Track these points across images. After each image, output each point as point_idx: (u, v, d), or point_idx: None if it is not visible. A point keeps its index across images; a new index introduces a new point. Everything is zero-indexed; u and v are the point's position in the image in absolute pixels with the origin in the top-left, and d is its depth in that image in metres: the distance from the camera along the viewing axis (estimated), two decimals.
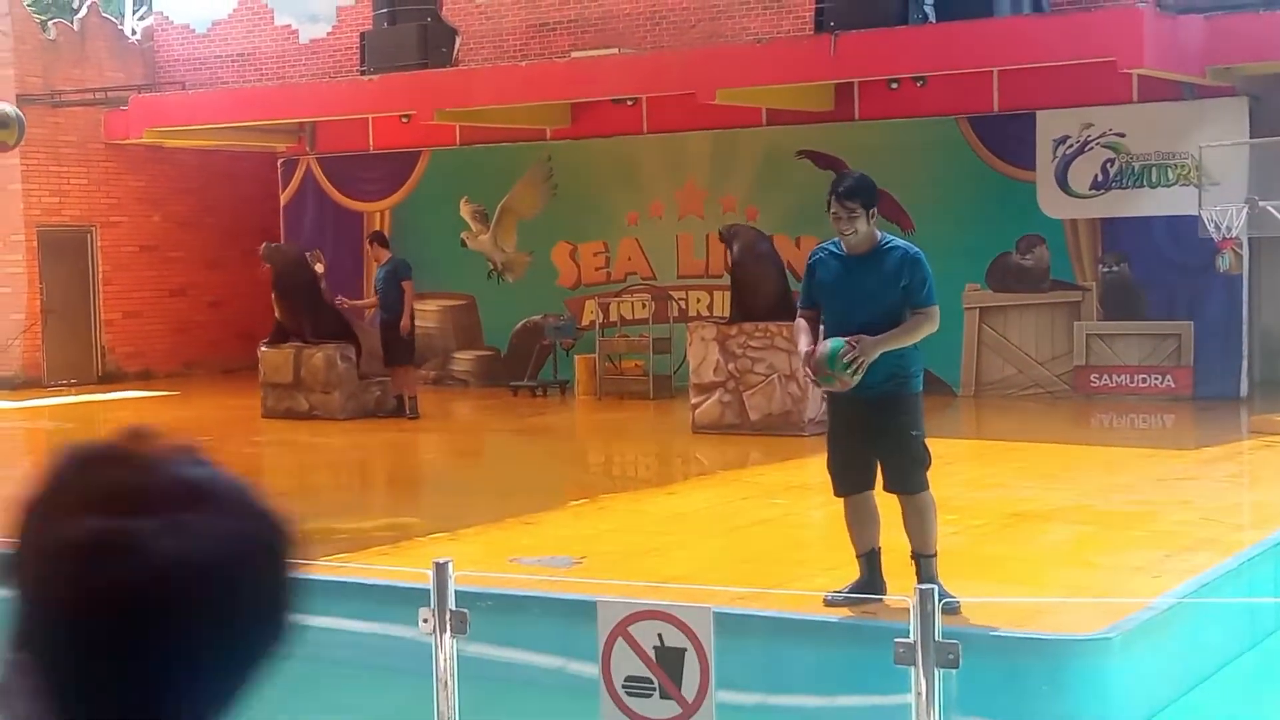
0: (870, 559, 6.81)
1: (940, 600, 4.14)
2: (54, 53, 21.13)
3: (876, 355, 6.52)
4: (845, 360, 6.46)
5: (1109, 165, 15.97)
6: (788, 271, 14.73)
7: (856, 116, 17.37)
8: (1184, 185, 15.37)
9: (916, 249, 6.87)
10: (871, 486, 6.86)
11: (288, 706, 7.47)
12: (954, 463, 9.99)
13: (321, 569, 8.01)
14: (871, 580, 6.74)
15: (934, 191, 16.33)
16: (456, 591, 4.56)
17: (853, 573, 6.96)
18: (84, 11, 22.30)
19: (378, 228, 19.82)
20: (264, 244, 16.76)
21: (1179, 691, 6.71)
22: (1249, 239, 14.81)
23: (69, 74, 21.16)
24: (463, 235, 19.70)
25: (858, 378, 6.50)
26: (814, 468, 12.08)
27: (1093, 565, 7.82)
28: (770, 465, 11.93)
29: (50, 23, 22.11)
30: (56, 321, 20.89)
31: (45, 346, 20.79)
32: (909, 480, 6.79)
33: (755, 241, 13.97)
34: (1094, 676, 6.15)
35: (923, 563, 6.68)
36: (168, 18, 22.55)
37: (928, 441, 6.90)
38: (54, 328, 20.87)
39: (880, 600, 6.57)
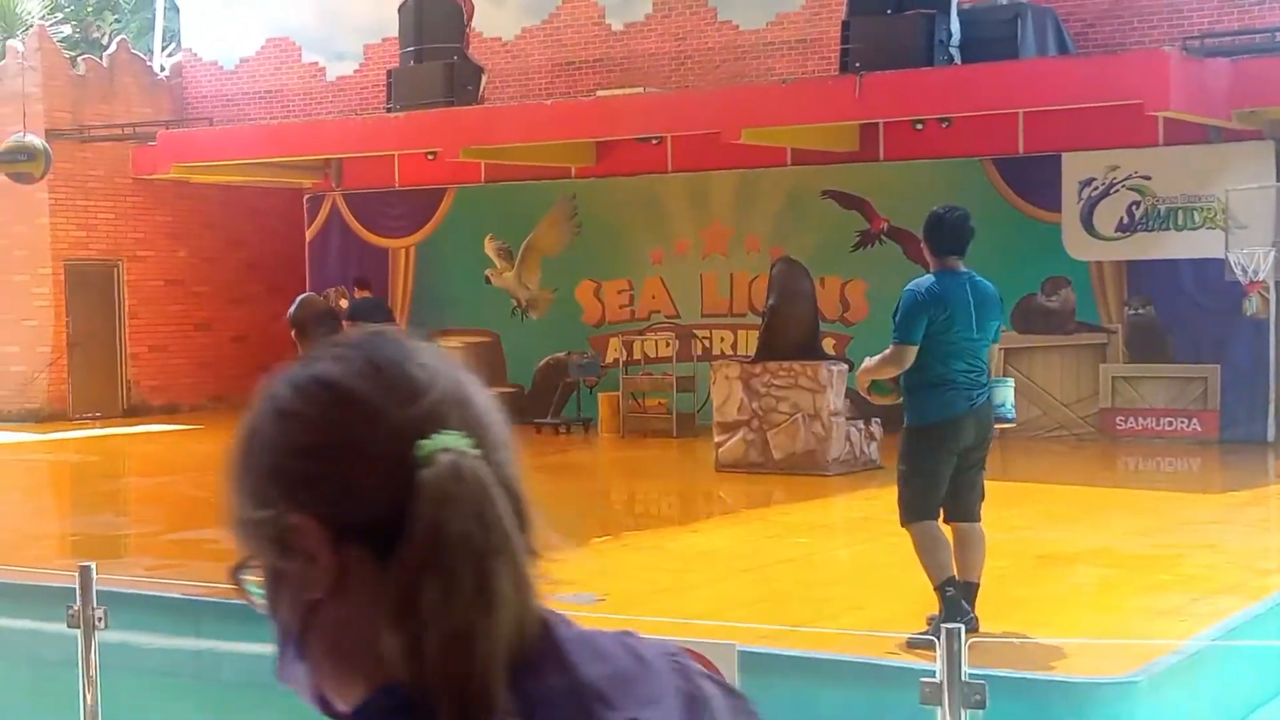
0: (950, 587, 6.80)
1: (959, 628, 4.10)
2: (83, 88, 21.29)
3: (865, 380, 7.01)
4: None
5: (1135, 208, 15.95)
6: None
7: (881, 157, 17.39)
8: (1210, 228, 15.34)
9: (912, 284, 6.86)
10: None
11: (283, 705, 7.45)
12: None
13: None
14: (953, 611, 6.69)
15: None
16: None
17: (876, 613, 6.94)
18: (113, 48, 22.49)
19: (403, 263, 19.99)
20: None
21: None
22: (1276, 282, 14.75)
23: (97, 109, 21.32)
24: (487, 272, 19.74)
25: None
26: (838, 507, 12.08)
27: (1119, 609, 7.76)
28: (794, 504, 11.89)
29: (80, 58, 22.28)
30: (82, 355, 20.97)
31: (71, 379, 20.87)
32: (899, 512, 6.92)
33: (798, 279, 13.93)
34: None
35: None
36: (196, 54, 22.71)
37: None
38: (80, 361, 20.96)
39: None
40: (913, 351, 6.71)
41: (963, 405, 6.80)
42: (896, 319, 6.79)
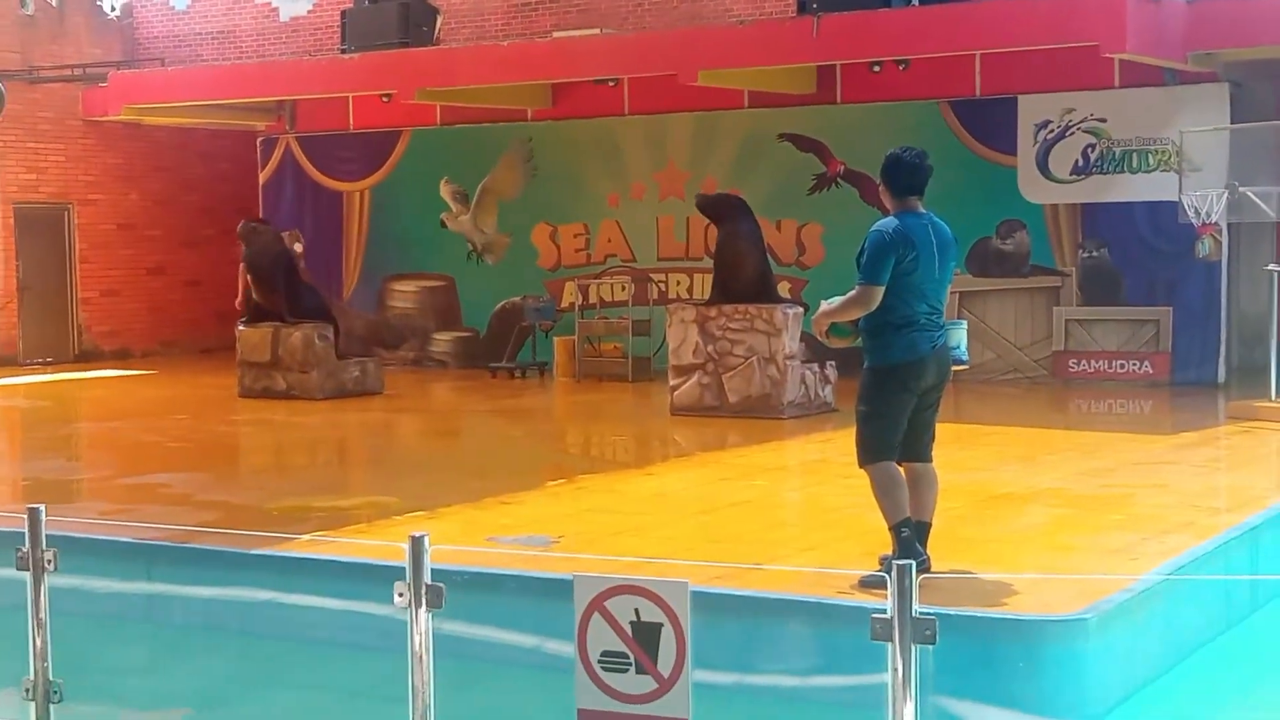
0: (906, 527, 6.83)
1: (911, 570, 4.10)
2: (32, 28, 20.99)
3: (825, 324, 6.93)
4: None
5: (1090, 150, 15.99)
6: (768, 254, 14.73)
7: (838, 99, 17.36)
8: (1164, 171, 15.40)
9: (878, 225, 6.84)
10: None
11: (264, 683, 7.45)
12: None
13: (298, 546, 7.99)
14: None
15: None
16: (433, 569, 4.53)
17: (829, 554, 6.97)
18: None
19: (357, 207, 19.95)
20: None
21: (1155, 672, 6.72)
22: (1228, 225, 14.84)
23: (47, 50, 21.04)
24: (442, 216, 19.64)
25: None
26: (792, 450, 12.12)
27: (1070, 548, 7.83)
28: (749, 447, 11.93)
29: None
30: (33, 299, 20.78)
31: (21, 324, 20.68)
32: (858, 452, 6.95)
33: (739, 220, 13.90)
34: (1070, 657, 6.15)
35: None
36: None
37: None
38: (30, 305, 20.77)
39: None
40: (879, 292, 6.70)
41: (925, 346, 6.81)
42: (863, 260, 6.77)
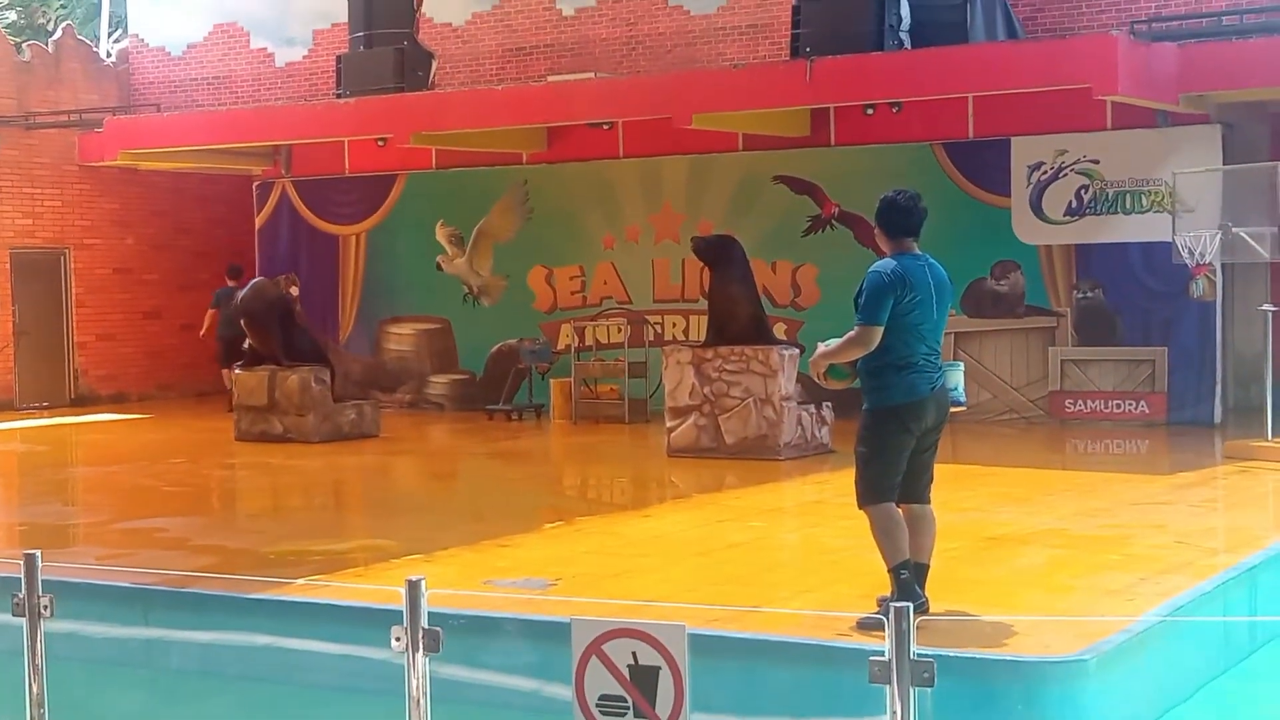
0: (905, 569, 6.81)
1: (910, 612, 4.10)
2: (28, 74, 21.07)
3: (823, 365, 6.92)
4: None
5: (1083, 191, 16.05)
6: (762, 296, 14.76)
7: (832, 142, 17.44)
8: (1158, 212, 15.46)
9: (876, 266, 6.85)
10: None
11: None
12: None
13: (295, 590, 7.97)
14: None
15: None
16: (430, 613, 4.53)
17: (827, 595, 6.95)
18: (59, 33, 22.26)
19: (353, 250, 20.03)
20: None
21: (1155, 713, 6.70)
22: (1222, 265, 14.88)
23: (43, 95, 21.11)
24: (438, 259, 19.68)
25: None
26: (789, 491, 12.11)
27: (1068, 589, 7.81)
28: (746, 489, 11.92)
29: (25, 44, 22.05)
30: (29, 344, 20.79)
31: (18, 369, 20.68)
32: (858, 494, 6.93)
33: (731, 265, 13.93)
34: (1070, 698, 6.14)
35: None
36: (143, 40, 22.52)
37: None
38: (27, 350, 20.77)
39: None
40: (878, 333, 6.71)
41: (925, 388, 6.82)
42: (861, 301, 6.78)
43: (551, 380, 18.18)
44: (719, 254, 14.02)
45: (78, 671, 6.91)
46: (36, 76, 21.14)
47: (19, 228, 20.70)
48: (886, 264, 6.83)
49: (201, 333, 20.15)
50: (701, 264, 14.78)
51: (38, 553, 5.38)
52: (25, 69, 21.08)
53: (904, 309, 6.72)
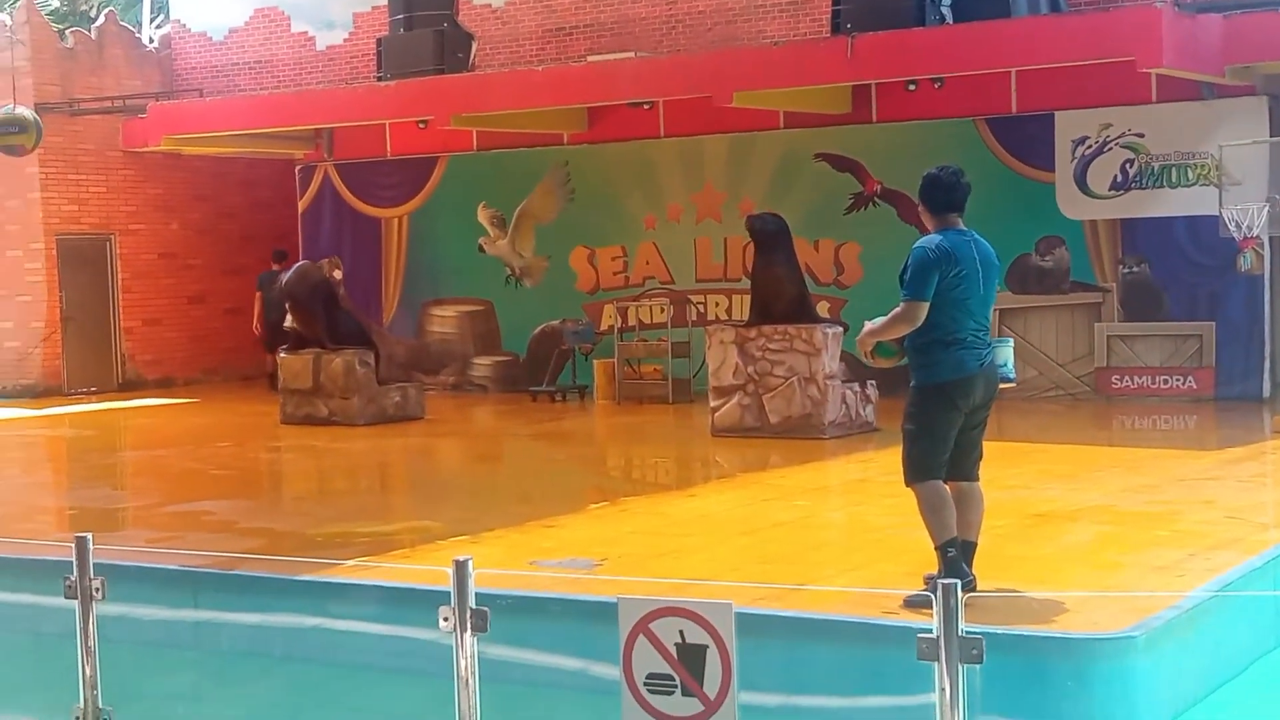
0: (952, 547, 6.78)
1: (958, 589, 4.08)
2: (71, 61, 21.20)
3: (870, 343, 6.91)
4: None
5: (1128, 166, 15.92)
6: (805, 275, 14.72)
7: (874, 118, 17.35)
8: (1204, 185, 15.32)
9: (921, 242, 6.81)
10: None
11: (310, 709, 7.47)
12: None
13: (342, 572, 8.01)
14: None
15: None
16: (477, 593, 4.54)
17: (872, 574, 6.93)
18: (101, 20, 22.38)
19: (395, 233, 20.08)
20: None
21: (1205, 690, 6.66)
22: (1270, 238, 14.73)
23: (87, 82, 21.23)
24: (480, 241, 19.71)
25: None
26: (834, 470, 12.09)
27: (1116, 565, 7.77)
28: (790, 468, 11.90)
29: (68, 31, 22.18)
30: (76, 329, 20.95)
31: (65, 354, 20.85)
32: (905, 471, 6.90)
33: (776, 244, 13.88)
34: (1119, 675, 6.11)
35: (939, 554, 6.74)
36: (185, 25, 22.61)
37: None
38: (74, 336, 20.93)
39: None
40: (924, 309, 6.67)
41: (973, 364, 6.78)
42: (906, 277, 6.73)
43: (595, 361, 18.19)
44: (768, 239, 13.93)
45: (129, 654, 6.97)
46: (80, 63, 21.26)
47: (65, 214, 20.84)
48: (931, 239, 6.79)
49: (255, 323, 20.30)
50: (747, 242, 14.72)
51: (89, 536, 5.43)
52: (69, 56, 21.20)
53: (950, 284, 6.68)
